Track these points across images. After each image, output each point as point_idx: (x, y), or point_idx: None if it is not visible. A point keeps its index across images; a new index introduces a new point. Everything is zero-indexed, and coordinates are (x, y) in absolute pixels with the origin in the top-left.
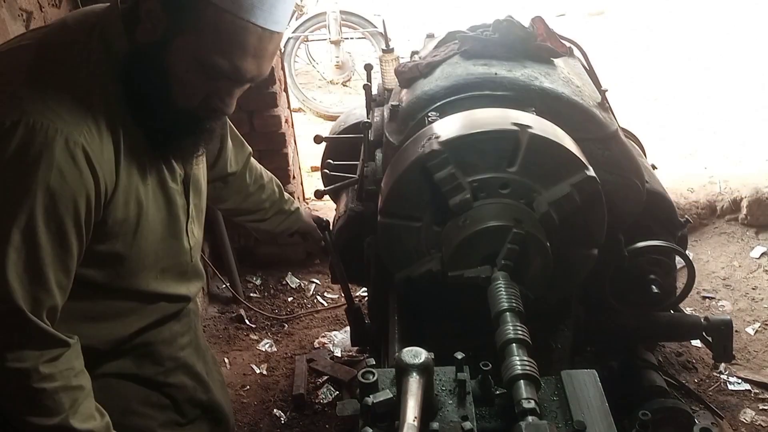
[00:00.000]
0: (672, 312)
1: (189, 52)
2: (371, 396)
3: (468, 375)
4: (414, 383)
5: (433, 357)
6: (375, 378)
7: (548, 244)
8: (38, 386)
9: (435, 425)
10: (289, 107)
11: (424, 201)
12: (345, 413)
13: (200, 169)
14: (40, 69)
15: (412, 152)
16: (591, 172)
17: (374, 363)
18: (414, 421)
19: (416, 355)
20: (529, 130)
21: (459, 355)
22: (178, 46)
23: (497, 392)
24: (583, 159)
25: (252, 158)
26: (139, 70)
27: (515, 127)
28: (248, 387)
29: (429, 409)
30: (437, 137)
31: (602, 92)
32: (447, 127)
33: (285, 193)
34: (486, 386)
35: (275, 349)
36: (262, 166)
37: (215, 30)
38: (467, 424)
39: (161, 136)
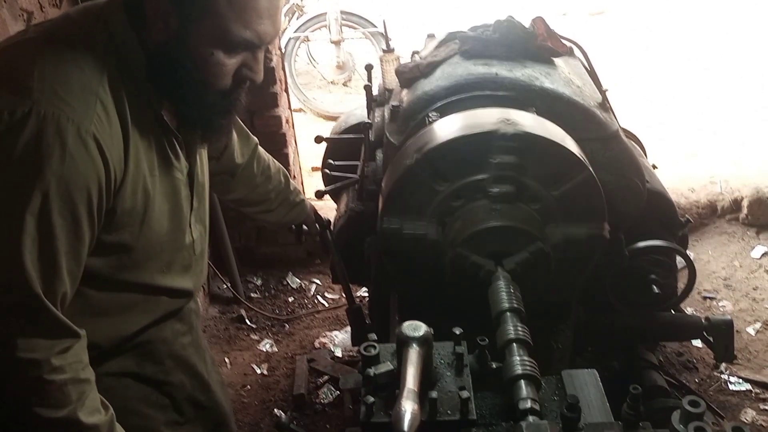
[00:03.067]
0: (673, 312)
1: (209, 35)
2: (373, 368)
3: (465, 349)
4: (414, 354)
5: (432, 332)
6: (377, 351)
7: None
8: (48, 378)
9: (434, 394)
10: (289, 107)
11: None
12: (347, 386)
13: (204, 162)
14: (47, 60)
15: (407, 159)
16: (505, 130)
17: (376, 338)
18: (414, 386)
19: (416, 328)
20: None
21: (457, 330)
22: (197, 34)
23: (494, 366)
24: (494, 124)
25: (259, 148)
26: (166, 70)
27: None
28: (249, 387)
29: (428, 380)
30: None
31: (603, 92)
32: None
33: (292, 183)
34: (483, 360)
35: (276, 349)
36: (270, 156)
37: (228, 5)
38: (464, 393)
39: (203, 121)
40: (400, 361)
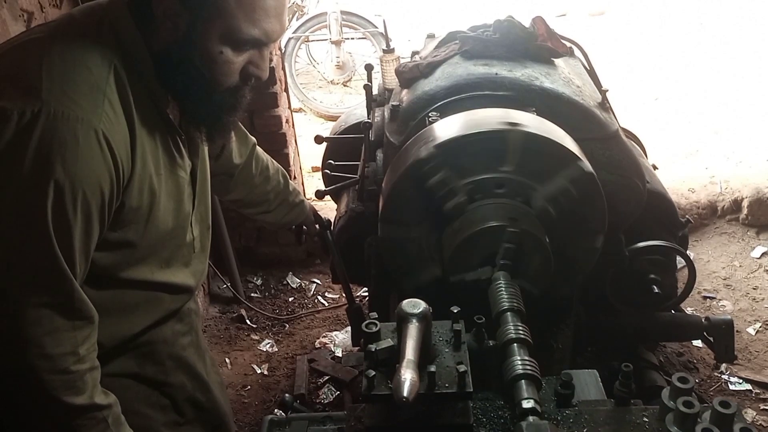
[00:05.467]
0: (673, 312)
1: (219, 34)
2: (374, 344)
3: (463, 327)
4: (413, 329)
5: (431, 310)
6: (377, 328)
7: (547, 239)
8: (74, 368)
9: (432, 368)
10: (289, 107)
11: (421, 207)
12: (350, 363)
13: (205, 161)
14: (54, 60)
15: (407, 158)
16: (586, 165)
17: (377, 316)
18: (413, 357)
19: (415, 305)
20: (521, 128)
21: (455, 309)
22: (206, 33)
23: (491, 344)
24: (578, 152)
25: (258, 149)
26: (176, 69)
27: (507, 126)
28: (249, 387)
29: (427, 355)
30: (431, 141)
31: (603, 92)
32: (440, 131)
33: (291, 184)
34: (480, 338)
35: (276, 349)
36: (269, 157)
37: (237, 4)
38: (461, 367)
39: (211, 118)
40: (400, 338)
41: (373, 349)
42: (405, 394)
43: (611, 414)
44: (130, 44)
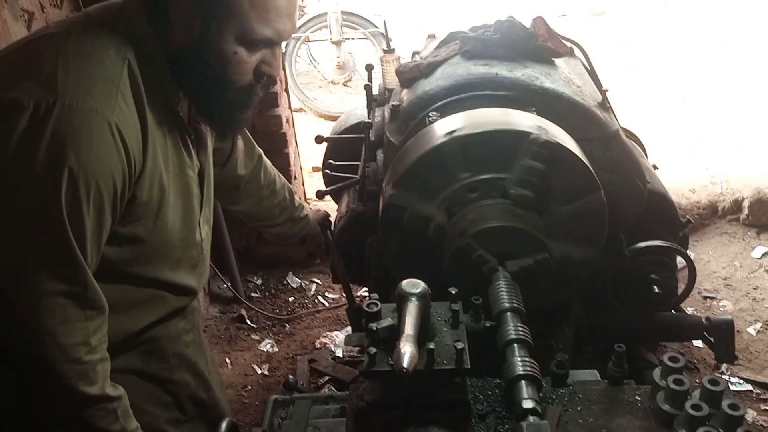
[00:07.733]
0: (673, 312)
1: (233, 34)
2: (375, 323)
3: (461, 308)
4: (413, 307)
5: (430, 291)
6: (378, 308)
7: (516, 211)
8: (86, 358)
9: (431, 345)
10: (290, 107)
11: (446, 185)
12: (351, 344)
13: (210, 163)
14: (69, 53)
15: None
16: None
17: (377, 296)
18: (412, 332)
19: (415, 285)
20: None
21: (453, 290)
22: (221, 34)
23: (487, 324)
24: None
25: (265, 160)
26: (191, 69)
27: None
28: (249, 387)
29: (426, 333)
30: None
31: (603, 92)
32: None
33: (296, 199)
34: (477, 319)
35: (276, 350)
36: (277, 171)
37: (250, 5)
38: (459, 344)
39: (225, 117)
40: (399, 315)
41: (374, 328)
42: (405, 365)
43: (604, 393)
44: (144, 41)
